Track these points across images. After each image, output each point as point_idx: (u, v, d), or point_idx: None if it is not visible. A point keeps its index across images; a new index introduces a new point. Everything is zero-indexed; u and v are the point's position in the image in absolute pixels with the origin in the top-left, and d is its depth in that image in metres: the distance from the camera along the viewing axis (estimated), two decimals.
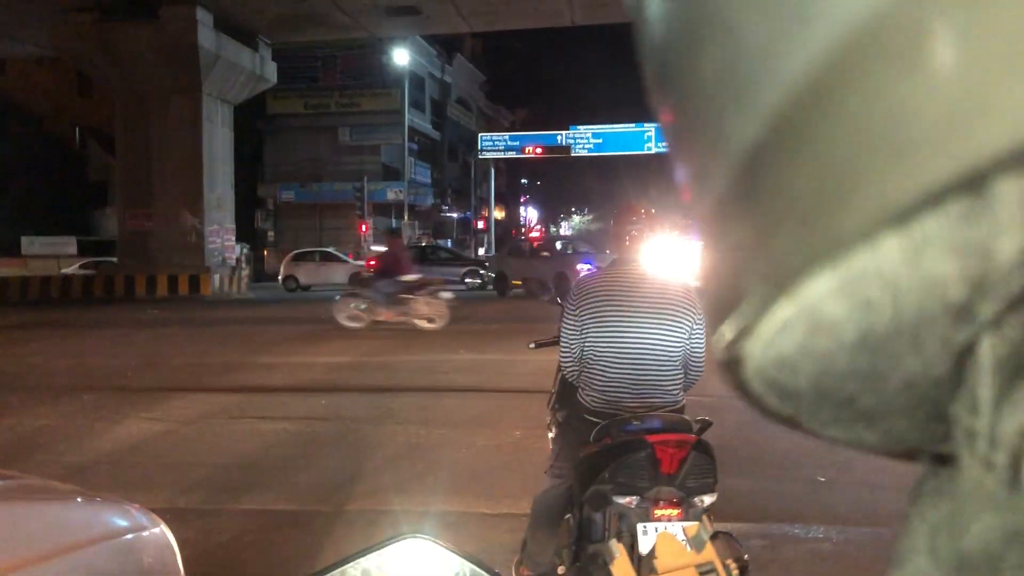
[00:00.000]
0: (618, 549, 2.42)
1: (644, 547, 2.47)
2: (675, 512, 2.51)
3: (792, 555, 3.96)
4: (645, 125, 33.36)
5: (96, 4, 21.89)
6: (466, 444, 6.03)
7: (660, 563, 2.35)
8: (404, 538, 1.07)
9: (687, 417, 2.78)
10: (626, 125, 34.51)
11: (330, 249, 28.28)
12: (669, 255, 3.08)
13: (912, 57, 0.17)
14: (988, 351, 0.20)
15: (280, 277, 26.79)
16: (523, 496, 4.24)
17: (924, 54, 0.17)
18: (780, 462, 5.16)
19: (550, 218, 66.39)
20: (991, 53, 0.16)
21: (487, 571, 1.08)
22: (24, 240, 29.37)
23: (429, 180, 38.93)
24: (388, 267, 13.45)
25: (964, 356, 0.21)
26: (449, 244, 36.37)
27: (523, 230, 53.35)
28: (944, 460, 0.23)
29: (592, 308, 2.91)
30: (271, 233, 35.25)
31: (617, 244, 3.03)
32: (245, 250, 26.54)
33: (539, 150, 36.68)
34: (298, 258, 27.30)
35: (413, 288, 13.33)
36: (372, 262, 13.74)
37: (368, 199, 30.99)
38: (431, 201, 38.88)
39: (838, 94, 0.18)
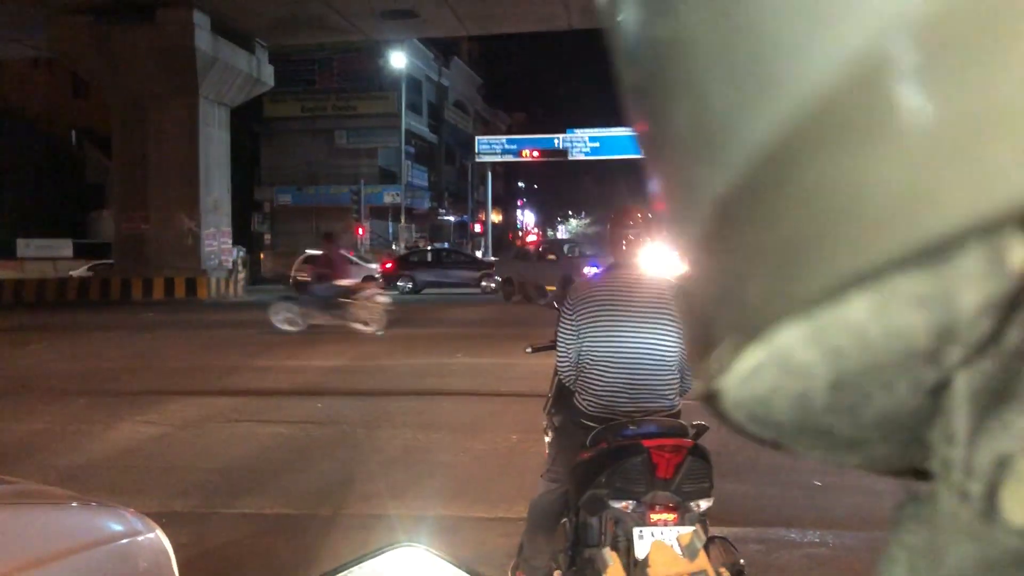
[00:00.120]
0: (611, 557, 2.42)
1: (640, 552, 2.47)
2: (671, 517, 2.51)
3: (788, 560, 3.96)
4: None
5: (92, 6, 21.84)
6: (462, 448, 6.02)
7: (653, 571, 2.36)
8: (398, 546, 1.06)
9: (683, 422, 2.78)
10: (623, 129, 34.28)
11: (342, 251, 28.14)
12: (666, 259, 3.08)
13: (872, 131, 0.17)
14: (963, 383, 0.21)
15: (291, 279, 26.63)
16: (519, 500, 4.24)
17: (884, 129, 0.17)
18: (776, 467, 5.16)
19: (547, 222, 66.39)
20: (953, 128, 0.17)
21: None
22: (20, 242, 29.30)
23: (426, 183, 38.93)
24: (325, 271, 13.60)
25: (940, 387, 0.21)
26: (467, 248, 36.34)
27: (520, 234, 53.38)
28: (928, 478, 0.23)
29: (589, 313, 2.91)
30: (268, 236, 35.21)
31: (614, 248, 3.03)
32: (241, 253, 26.47)
33: (536, 154, 36.70)
34: (309, 260, 27.11)
35: (350, 292, 13.52)
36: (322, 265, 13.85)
37: (365, 202, 31.00)
38: (428, 204, 38.90)
39: (799, 162, 0.19)
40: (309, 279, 13.95)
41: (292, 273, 16.13)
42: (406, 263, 26.02)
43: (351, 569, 1.02)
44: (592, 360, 2.90)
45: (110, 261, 25.97)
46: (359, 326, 13.41)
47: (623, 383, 2.86)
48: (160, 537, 1.88)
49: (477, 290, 23.89)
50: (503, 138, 39.98)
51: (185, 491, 5.11)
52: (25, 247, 29.48)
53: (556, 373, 3.18)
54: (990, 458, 0.20)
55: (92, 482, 5.23)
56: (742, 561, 2.53)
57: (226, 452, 6.05)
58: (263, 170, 35.81)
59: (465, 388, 8.38)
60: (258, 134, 35.48)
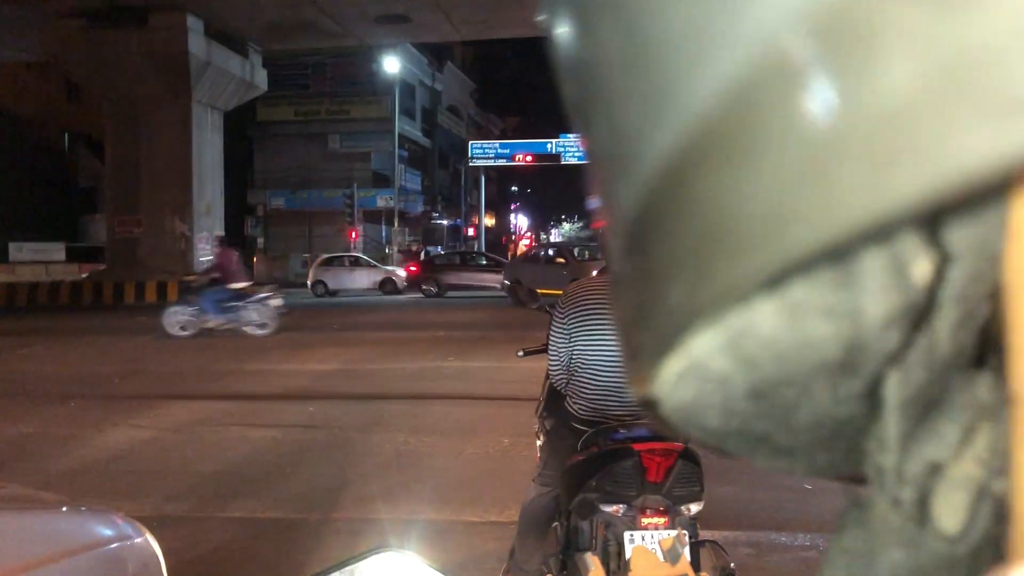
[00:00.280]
0: (593, 561, 2.43)
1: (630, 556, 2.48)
2: (662, 520, 2.51)
3: (779, 563, 3.97)
4: None
5: (85, 11, 21.80)
6: (454, 452, 6.02)
7: (635, 575, 2.36)
8: (381, 551, 1.06)
9: None
10: None
11: (360, 255, 28.08)
12: None
13: (754, 141, 0.18)
14: (893, 392, 0.21)
15: (309, 282, 26.50)
16: (511, 504, 4.24)
17: (767, 137, 0.17)
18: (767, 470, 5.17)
19: (541, 226, 66.46)
20: (835, 134, 0.16)
21: None
22: (12, 246, 29.19)
23: (419, 187, 38.92)
24: (218, 275, 13.89)
25: (872, 395, 0.21)
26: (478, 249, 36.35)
27: (513, 238, 53.40)
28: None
29: (580, 316, 2.92)
30: (261, 240, 35.16)
31: (605, 252, 3.03)
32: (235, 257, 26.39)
33: (529, 158, 36.75)
34: (327, 263, 26.99)
35: (243, 296, 13.84)
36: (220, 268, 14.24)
37: (358, 206, 30.95)
38: (421, 208, 38.87)
39: (691, 177, 0.19)
40: (202, 283, 14.30)
41: (186, 278, 16.52)
42: (431, 266, 26.02)
43: (332, 574, 1.02)
44: (583, 364, 2.91)
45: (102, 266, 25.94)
46: (252, 329, 13.78)
47: (614, 387, 2.86)
48: (150, 541, 1.88)
49: (503, 293, 23.76)
50: (496, 143, 40.02)
51: (176, 495, 5.10)
52: (17, 251, 29.37)
53: (548, 377, 3.18)
54: (921, 465, 0.21)
55: (83, 486, 5.22)
56: (732, 565, 2.54)
57: (218, 456, 6.04)
58: (256, 174, 35.76)
59: (457, 392, 8.38)
60: (251, 138, 35.44)
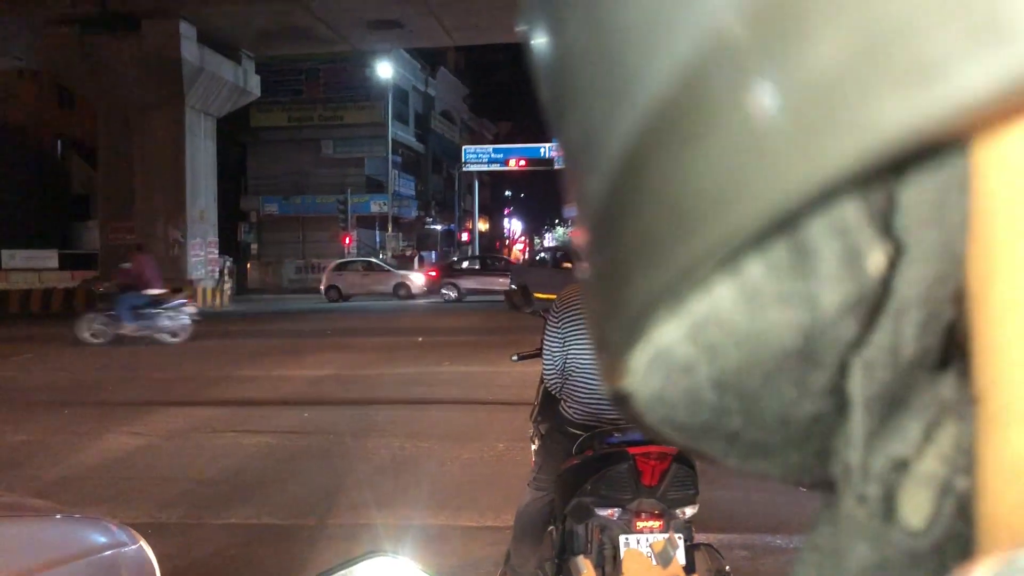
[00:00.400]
0: (585, 565, 2.43)
1: None
2: (657, 524, 2.52)
3: (774, 566, 3.98)
4: None
5: (78, 17, 21.77)
6: (449, 457, 6.02)
7: None
8: (373, 556, 1.06)
9: None
10: None
11: (374, 259, 28.07)
12: None
13: (701, 121, 0.18)
14: (857, 388, 0.21)
15: (322, 287, 26.51)
16: (506, 509, 4.24)
17: (714, 118, 0.18)
18: None
19: (534, 230, 66.48)
20: (778, 110, 0.17)
21: None
22: (4, 254, 29.08)
23: (413, 192, 38.91)
24: (132, 282, 13.84)
25: (839, 392, 0.21)
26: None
27: (507, 242, 53.42)
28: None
29: (574, 320, 2.92)
30: (255, 246, 35.10)
31: (578, 253, 3.04)
32: (229, 263, 26.40)
33: (523, 162, 36.75)
34: (341, 267, 26.97)
35: (159, 302, 13.86)
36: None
37: (352, 211, 30.95)
38: (415, 213, 38.86)
39: (647, 163, 0.20)
40: (112, 289, 14.29)
41: (96, 286, 16.60)
42: (450, 271, 26.14)
43: None
44: (577, 368, 2.91)
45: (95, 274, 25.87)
46: (165, 336, 13.81)
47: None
48: (144, 548, 1.87)
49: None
50: (490, 147, 40.04)
51: (171, 501, 5.09)
52: (10, 258, 29.25)
53: (542, 381, 3.18)
54: (886, 462, 0.21)
55: (77, 493, 5.20)
56: (728, 567, 2.55)
57: (212, 462, 6.02)
58: (250, 180, 35.71)
59: (452, 397, 8.38)
60: (245, 144, 35.37)
